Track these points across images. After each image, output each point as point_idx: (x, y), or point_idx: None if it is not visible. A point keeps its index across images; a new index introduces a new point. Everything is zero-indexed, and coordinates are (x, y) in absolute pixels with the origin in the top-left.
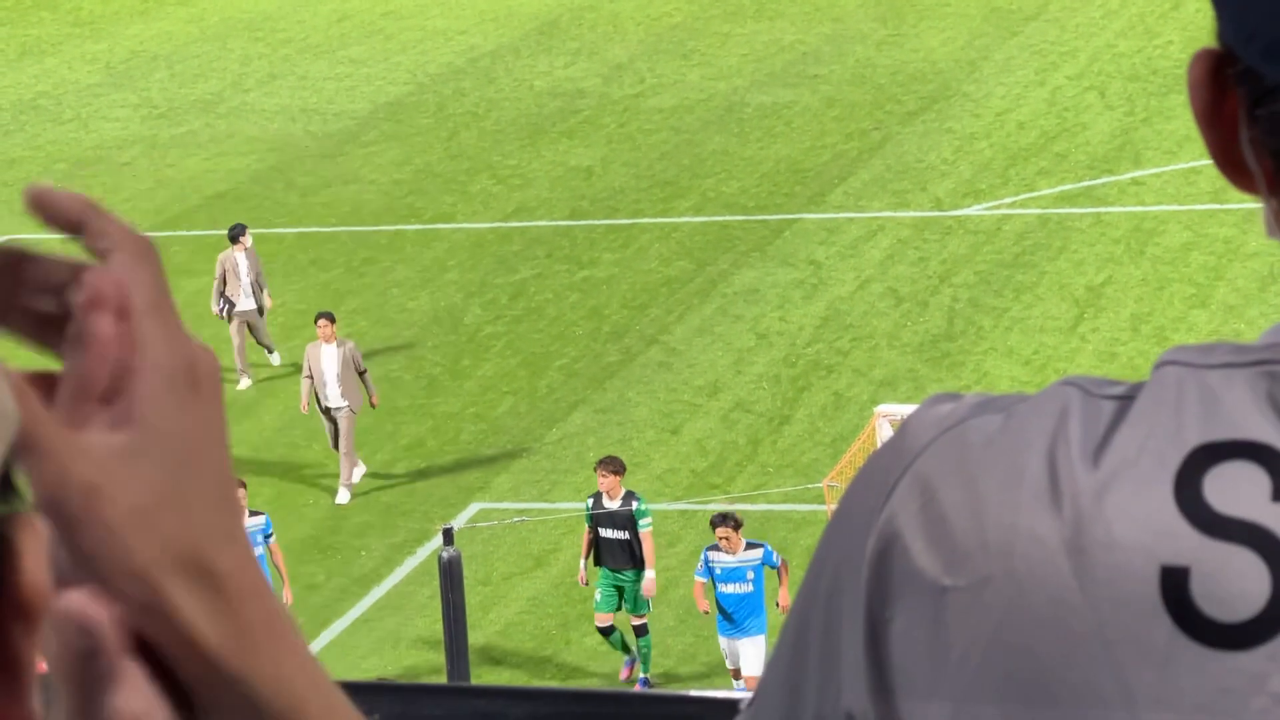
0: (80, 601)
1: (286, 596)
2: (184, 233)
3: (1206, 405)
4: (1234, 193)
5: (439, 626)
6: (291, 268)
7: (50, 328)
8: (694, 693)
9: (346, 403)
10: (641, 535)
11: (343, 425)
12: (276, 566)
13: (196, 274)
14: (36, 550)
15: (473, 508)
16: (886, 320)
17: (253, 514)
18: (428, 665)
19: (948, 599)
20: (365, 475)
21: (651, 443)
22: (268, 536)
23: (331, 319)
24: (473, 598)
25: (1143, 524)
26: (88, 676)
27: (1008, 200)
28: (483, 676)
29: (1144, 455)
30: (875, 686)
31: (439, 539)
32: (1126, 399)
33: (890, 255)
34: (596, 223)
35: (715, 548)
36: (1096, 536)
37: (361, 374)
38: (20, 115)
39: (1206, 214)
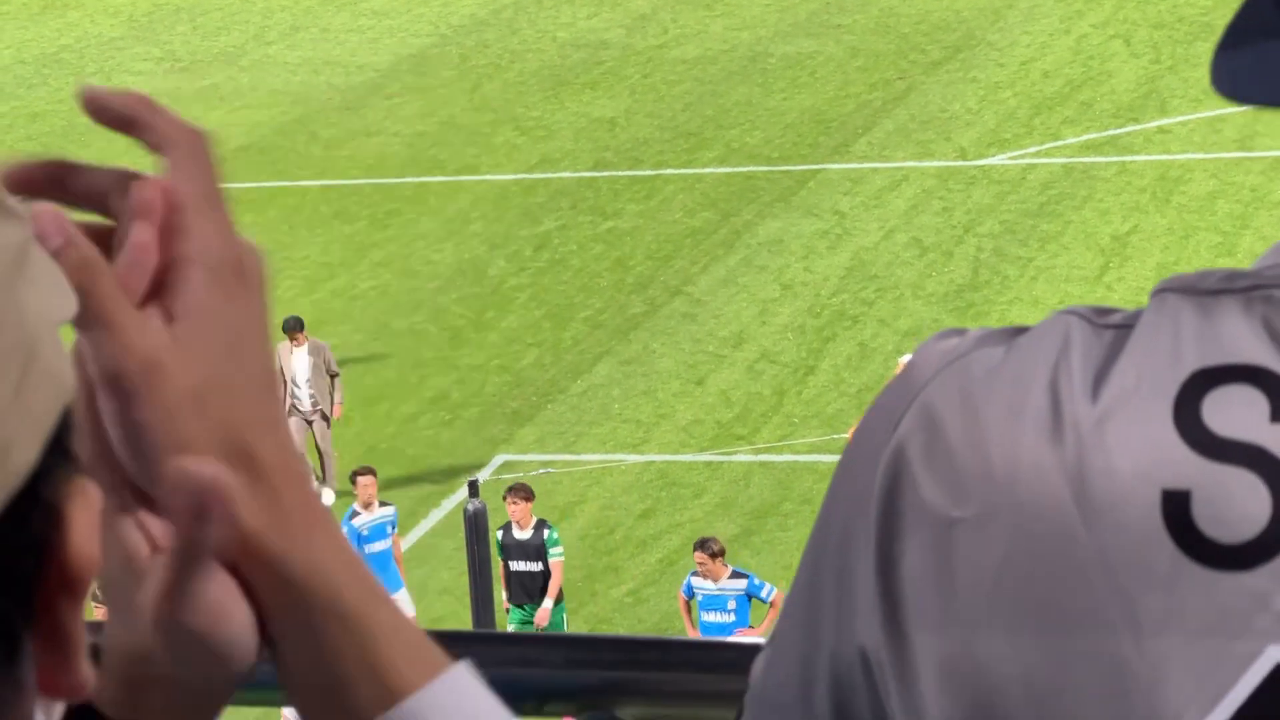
0: (205, 464)
1: (405, 594)
2: None
3: (1203, 330)
4: (1261, 140)
5: (464, 579)
6: (315, 220)
7: (100, 239)
8: (732, 639)
9: (320, 407)
10: (552, 565)
11: (318, 430)
12: (397, 561)
13: None
14: (87, 520)
15: (498, 459)
16: (911, 270)
17: (382, 504)
18: (453, 617)
19: (955, 531)
20: (391, 425)
21: (676, 394)
22: (394, 528)
23: (300, 326)
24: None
25: (1143, 450)
26: (192, 544)
27: (1032, 149)
28: (508, 629)
29: (1142, 383)
30: (888, 621)
31: (464, 491)
32: (1125, 327)
33: (915, 205)
34: (620, 174)
35: (698, 572)
36: (1097, 465)
37: (333, 377)
38: (43, 69)
39: (1233, 162)
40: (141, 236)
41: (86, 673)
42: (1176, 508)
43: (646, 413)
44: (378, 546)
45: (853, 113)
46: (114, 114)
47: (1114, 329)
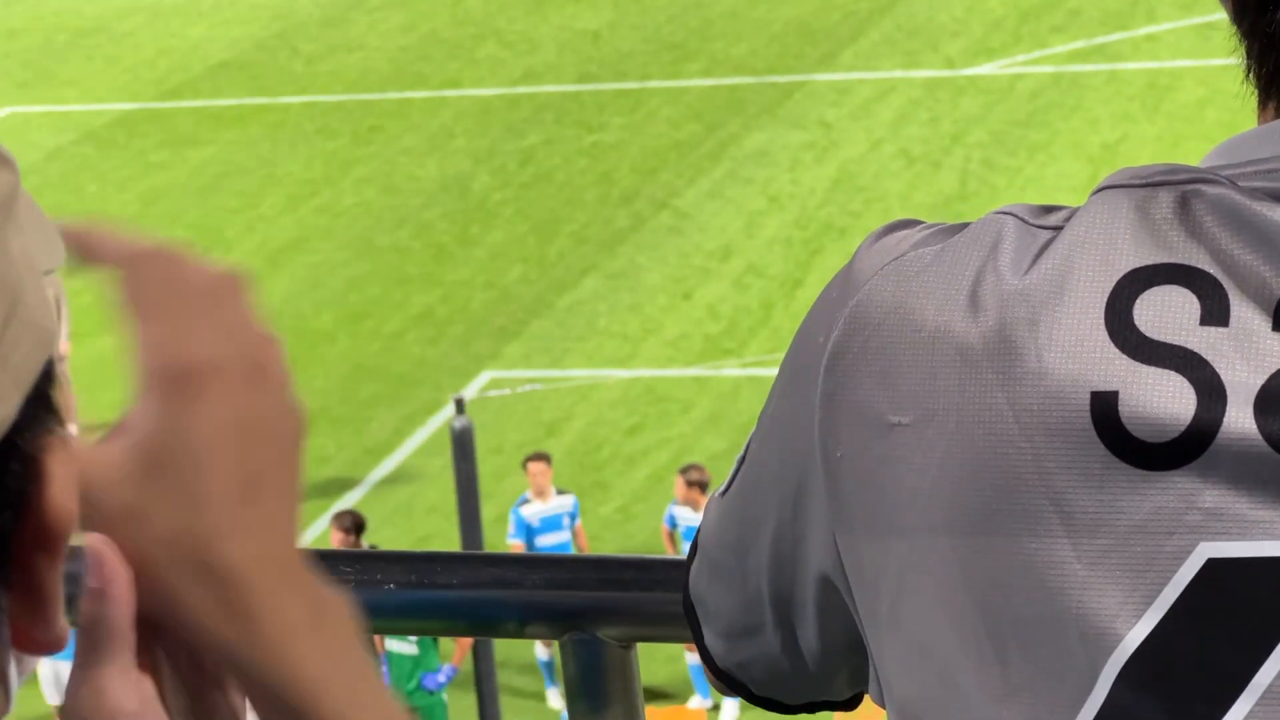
0: (99, 548)
1: None
2: (187, 103)
3: (1138, 227)
4: None
5: (452, 497)
6: (297, 137)
7: None
8: None
9: None
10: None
11: None
12: (580, 549)
13: (200, 144)
14: (65, 474)
15: (484, 376)
16: (899, 181)
17: (560, 493)
18: (441, 535)
19: (895, 435)
20: (377, 343)
21: (663, 308)
22: (573, 519)
23: None
24: (485, 467)
25: (1073, 351)
26: (92, 636)
27: (1020, 58)
28: (496, 546)
29: (1075, 282)
30: (839, 522)
31: (450, 408)
32: (1059, 228)
33: (902, 116)
34: (605, 87)
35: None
36: (1029, 366)
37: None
38: None
39: (1222, 69)
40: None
41: (62, 628)
42: (1105, 409)
43: (633, 327)
44: (550, 539)
45: (839, 23)
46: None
47: (1049, 230)
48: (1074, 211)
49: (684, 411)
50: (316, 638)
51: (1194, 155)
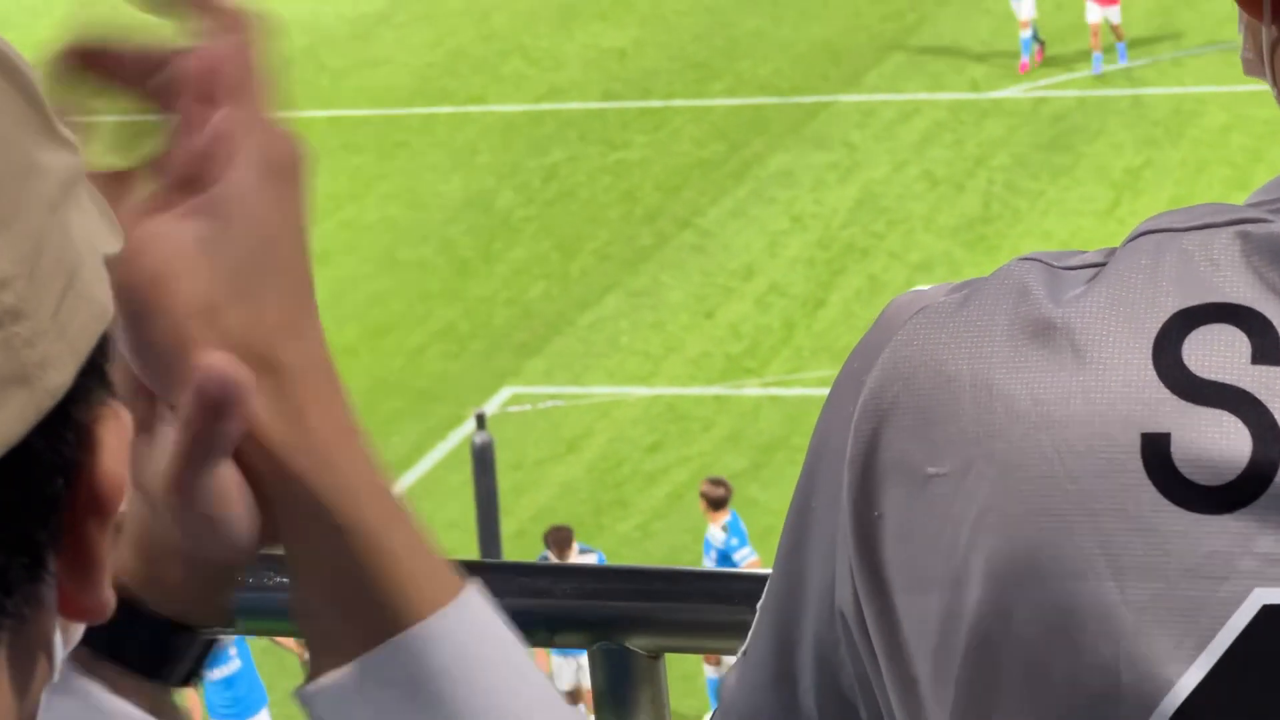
0: (225, 362)
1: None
2: None
3: (1183, 269)
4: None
5: (471, 512)
6: (322, 151)
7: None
8: (745, 569)
9: None
10: None
11: None
12: None
13: None
14: (118, 443)
15: (505, 392)
16: (922, 203)
17: (584, 551)
18: (460, 550)
19: (932, 487)
20: (399, 358)
21: (685, 326)
22: None
23: None
24: (505, 483)
25: (1121, 394)
26: (208, 436)
27: (1045, 82)
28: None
29: (1120, 323)
30: (871, 588)
31: (471, 424)
32: (1096, 266)
33: (926, 138)
34: (629, 105)
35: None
36: (1075, 408)
37: None
38: None
39: (1247, 95)
40: (192, 114)
41: (108, 596)
42: (1156, 451)
43: (655, 345)
44: None
45: (864, 44)
46: None
47: (1083, 269)
48: (1105, 255)
49: (704, 430)
50: (357, 446)
51: (1218, 181)
